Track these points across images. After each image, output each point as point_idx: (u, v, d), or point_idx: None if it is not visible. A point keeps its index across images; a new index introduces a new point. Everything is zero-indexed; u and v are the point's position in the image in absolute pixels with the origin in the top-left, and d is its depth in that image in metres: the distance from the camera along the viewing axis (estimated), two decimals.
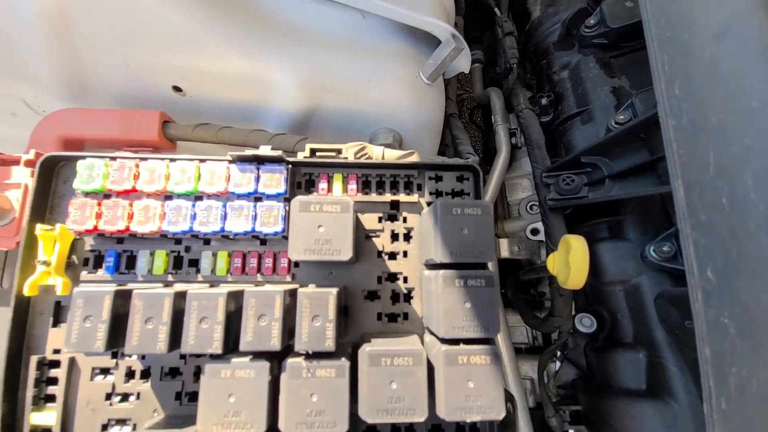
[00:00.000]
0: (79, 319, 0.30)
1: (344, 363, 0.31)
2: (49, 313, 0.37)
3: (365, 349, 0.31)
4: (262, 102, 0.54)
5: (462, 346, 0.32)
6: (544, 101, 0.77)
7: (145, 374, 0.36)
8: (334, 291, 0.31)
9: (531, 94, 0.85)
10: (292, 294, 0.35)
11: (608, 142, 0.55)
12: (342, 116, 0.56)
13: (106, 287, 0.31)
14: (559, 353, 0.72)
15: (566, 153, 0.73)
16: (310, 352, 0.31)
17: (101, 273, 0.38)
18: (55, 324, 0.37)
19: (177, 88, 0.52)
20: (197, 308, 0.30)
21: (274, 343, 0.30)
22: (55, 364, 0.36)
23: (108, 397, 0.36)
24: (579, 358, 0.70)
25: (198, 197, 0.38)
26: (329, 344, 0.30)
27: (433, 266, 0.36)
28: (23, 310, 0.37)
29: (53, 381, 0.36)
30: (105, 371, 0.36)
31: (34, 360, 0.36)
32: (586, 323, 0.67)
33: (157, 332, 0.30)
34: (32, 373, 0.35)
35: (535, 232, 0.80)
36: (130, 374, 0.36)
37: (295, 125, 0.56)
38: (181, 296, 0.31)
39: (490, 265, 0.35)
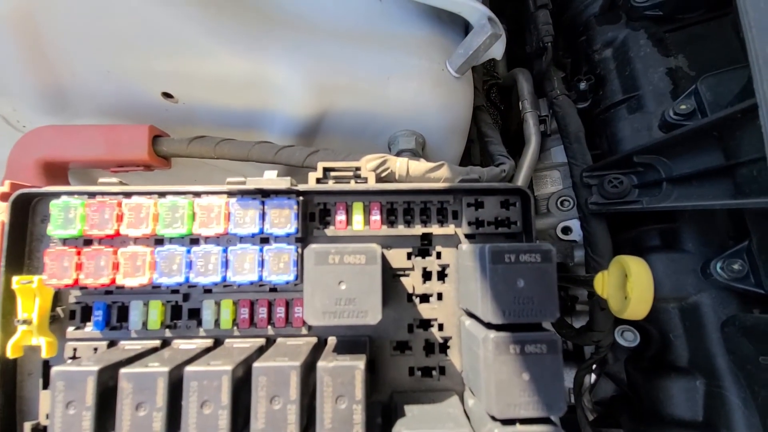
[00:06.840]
0: (61, 406, 0.25)
1: None
2: (38, 374, 0.33)
3: None
4: (265, 106, 0.47)
5: (519, 426, 0.26)
6: (582, 86, 0.67)
7: None
8: (361, 365, 0.26)
9: (564, 74, 0.74)
10: (312, 352, 0.29)
11: (672, 140, 0.47)
12: (357, 119, 0.49)
13: (88, 367, 0.26)
14: (595, 366, 0.66)
15: (609, 146, 0.64)
16: None
17: (89, 329, 0.33)
18: (45, 386, 0.33)
19: (167, 95, 0.45)
20: (197, 390, 0.25)
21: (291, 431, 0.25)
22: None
23: None
24: (618, 373, 0.64)
25: (193, 240, 0.32)
26: (358, 431, 0.25)
27: (476, 317, 0.30)
28: (10, 371, 0.33)
29: None
30: None
31: (27, 427, 0.32)
32: (628, 337, 0.61)
33: (151, 420, 0.25)
34: None
35: (566, 230, 0.72)
36: None
37: (302, 131, 0.49)
38: (177, 371, 0.26)
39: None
